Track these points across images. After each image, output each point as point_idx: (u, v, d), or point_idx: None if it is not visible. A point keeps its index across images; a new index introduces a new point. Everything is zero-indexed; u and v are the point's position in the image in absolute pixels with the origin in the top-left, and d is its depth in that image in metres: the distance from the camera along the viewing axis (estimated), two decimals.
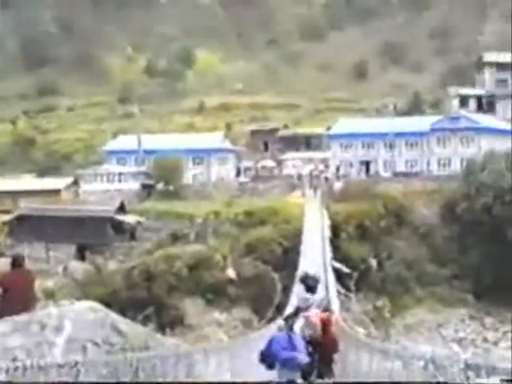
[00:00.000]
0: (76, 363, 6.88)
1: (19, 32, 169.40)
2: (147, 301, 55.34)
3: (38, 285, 24.23)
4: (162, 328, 40.70)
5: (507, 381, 3.43)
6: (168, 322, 51.75)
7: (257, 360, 17.48)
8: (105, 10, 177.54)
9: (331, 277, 45.87)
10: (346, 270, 57.46)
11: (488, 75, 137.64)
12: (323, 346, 19.14)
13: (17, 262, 18.22)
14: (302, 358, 16.52)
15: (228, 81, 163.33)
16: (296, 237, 64.83)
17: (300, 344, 17.02)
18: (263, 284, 62.01)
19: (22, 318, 16.05)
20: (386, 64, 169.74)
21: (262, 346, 18.72)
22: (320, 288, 29.13)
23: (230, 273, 64.49)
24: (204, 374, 11.78)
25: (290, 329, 17.71)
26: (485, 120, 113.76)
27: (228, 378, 14.43)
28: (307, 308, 24.86)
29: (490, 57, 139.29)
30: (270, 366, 15.95)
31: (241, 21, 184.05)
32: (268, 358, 15.98)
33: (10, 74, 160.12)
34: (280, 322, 21.55)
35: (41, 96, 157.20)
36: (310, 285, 29.27)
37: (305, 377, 16.52)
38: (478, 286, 68.74)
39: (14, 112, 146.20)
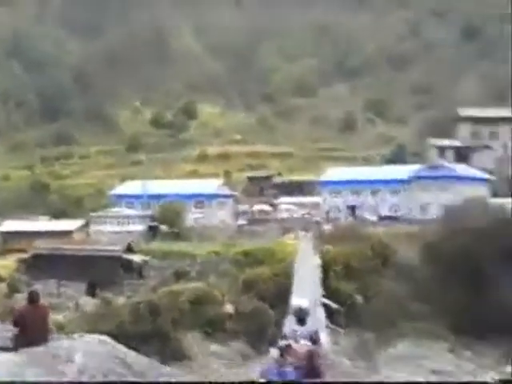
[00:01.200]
0: None
1: (39, 87, 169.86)
2: (152, 333, 55.07)
3: (50, 319, 23.94)
4: (164, 359, 40.23)
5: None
6: (171, 353, 51.30)
7: None
8: (116, 68, 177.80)
9: (321, 312, 45.68)
10: (334, 305, 57.35)
11: (463, 128, 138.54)
12: (308, 376, 19.20)
13: (32, 298, 18.13)
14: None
15: (227, 132, 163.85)
16: (289, 275, 64.75)
17: (291, 375, 17.12)
18: (259, 319, 61.79)
19: (37, 349, 15.87)
20: (371, 118, 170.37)
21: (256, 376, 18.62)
22: (310, 322, 28.93)
23: (228, 308, 64.27)
24: None
25: (283, 361, 17.69)
26: (461, 169, 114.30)
27: None
28: (296, 339, 24.73)
29: (466, 112, 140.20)
30: None
31: (240, 78, 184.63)
32: None
33: (30, 125, 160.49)
34: (273, 352, 21.40)
35: (57, 145, 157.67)
36: (301, 317, 29.19)
37: None
38: (457, 322, 68.49)
39: (32, 160, 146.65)
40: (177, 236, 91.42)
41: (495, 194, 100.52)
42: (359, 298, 68.64)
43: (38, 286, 53.78)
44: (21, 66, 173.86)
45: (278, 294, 60.91)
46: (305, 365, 20.67)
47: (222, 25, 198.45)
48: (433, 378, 58.64)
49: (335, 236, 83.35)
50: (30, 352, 15.39)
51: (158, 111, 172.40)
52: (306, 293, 51.95)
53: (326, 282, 62.19)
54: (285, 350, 18.50)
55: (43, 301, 21.73)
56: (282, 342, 19.93)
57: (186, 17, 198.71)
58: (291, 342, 21.92)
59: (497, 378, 58.45)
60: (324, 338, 30.39)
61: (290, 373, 17.53)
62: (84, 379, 14.73)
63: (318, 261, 68.71)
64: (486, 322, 64.51)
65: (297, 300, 38.12)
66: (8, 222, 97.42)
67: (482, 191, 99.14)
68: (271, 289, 65.34)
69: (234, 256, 77.67)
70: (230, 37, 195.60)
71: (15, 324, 16.83)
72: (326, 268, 66.84)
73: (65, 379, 14.79)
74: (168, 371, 23.67)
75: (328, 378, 21.86)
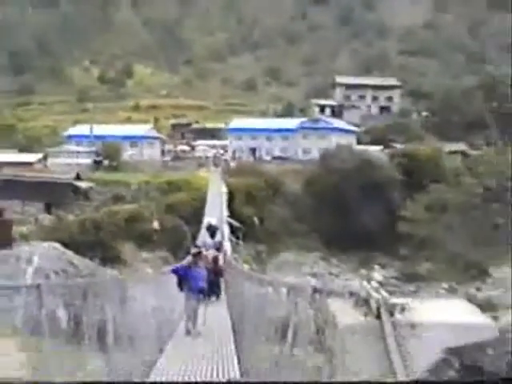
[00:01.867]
0: (39, 285, 6.76)
1: (8, 48, 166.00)
2: (95, 243, 54.75)
3: (15, 230, 23.73)
4: (104, 263, 40.18)
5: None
6: (109, 258, 51.11)
7: (173, 285, 17.97)
8: (70, 34, 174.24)
9: (226, 229, 45.99)
10: (236, 224, 57.74)
11: (338, 92, 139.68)
12: (214, 274, 20.13)
13: (0, 213, 18.04)
14: (202, 284, 17.30)
15: (156, 88, 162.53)
16: (203, 200, 64.95)
17: (201, 274, 17.72)
18: (178, 233, 61.96)
19: (3, 252, 15.80)
20: (268, 81, 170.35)
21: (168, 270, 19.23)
22: (217, 235, 29.28)
23: (155, 225, 64.12)
24: (133, 295, 11.68)
25: (195, 263, 18.25)
26: (336, 122, 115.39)
27: (153, 301, 14.35)
28: (207, 248, 25.19)
29: (340, 79, 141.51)
30: (182, 289, 16.79)
31: (167, 46, 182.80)
32: (180, 284, 16.87)
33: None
34: (188, 258, 21.93)
35: (20, 94, 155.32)
36: (211, 231, 29.56)
37: (203, 295, 18.14)
38: (328, 238, 69.60)
39: (0, 106, 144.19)
40: (115, 168, 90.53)
41: (359, 143, 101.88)
42: (256, 219, 69.14)
43: (5, 204, 52.98)
44: None
45: (194, 214, 61.06)
46: (212, 266, 21.47)
47: (154, 2, 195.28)
48: (311, 280, 59.72)
49: (238, 171, 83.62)
50: None
51: (103, 70, 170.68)
52: (215, 213, 52.40)
53: (230, 206, 62.45)
54: (197, 255, 18.96)
55: (8, 215, 21.57)
56: (194, 250, 20.33)
57: None
58: (202, 249, 22.44)
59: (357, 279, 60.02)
60: (228, 247, 30.79)
61: (200, 271, 18.10)
62: (40, 276, 14.76)
63: (224, 189, 68.87)
64: (348, 238, 65.80)
65: (208, 218, 38.37)
66: None
67: (350, 140, 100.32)
68: (188, 210, 65.38)
69: (159, 184, 77.36)
70: (160, 13, 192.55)
71: None
72: (230, 195, 67.08)
73: (25, 276, 14.83)
74: (107, 271, 23.76)
75: (229, 276, 22.48)
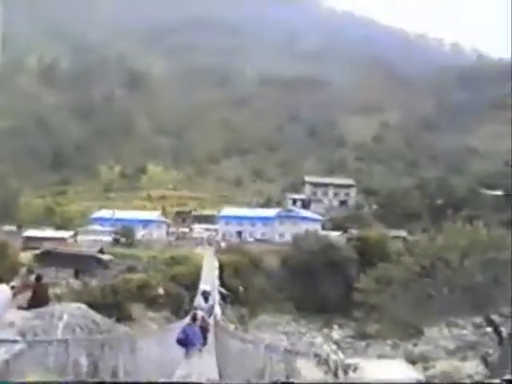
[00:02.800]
0: (66, 340, 6.72)
1: (53, 150, 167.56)
2: (112, 304, 53.99)
3: (50, 292, 23.37)
4: (119, 321, 39.60)
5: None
6: (123, 317, 50.35)
7: (173, 339, 17.82)
8: (100, 141, 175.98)
9: (217, 295, 45.56)
10: (225, 292, 57.25)
11: (307, 188, 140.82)
12: (203, 329, 20.05)
13: (39, 278, 17.93)
14: (200, 340, 17.44)
15: (165, 183, 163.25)
16: (199, 272, 64.48)
17: (197, 332, 17.75)
18: (179, 298, 61.29)
19: (41, 310, 15.57)
20: (253, 179, 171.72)
21: (176, 333, 19.01)
22: (210, 300, 28.97)
23: (161, 291, 63.48)
24: (141, 346, 11.53)
25: (193, 319, 18.59)
26: (305, 212, 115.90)
27: (156, 349, 14.14)
28: (202, 310, 24.99)
29: (309, 178, 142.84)
30: (184, 345, 16.69)
31: (173, 149, 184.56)
32: (182, 341, 16.75)
33: (44, 172, 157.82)
34: (187, 319, 22.08)
35: (60, 185, 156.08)
36: (205, 296, 29.28)
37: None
38: (298, 303, 69.08)
39: (44, 193, 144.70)
40: (130, 245, 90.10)
41: (323, 229, 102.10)
42: (240, 288, 68.59)
43: (43, 271, 52.41)
44: (41, 134, 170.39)
45: (192, 283, 60.49)
46: (202, 323, 21.37)
47: (165, 113, 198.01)
48: (283, 337, 58.82)
49: (227, 249, 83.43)
50: (37, 311, 15.16)
51: (123, 167, 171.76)
52: (208, 282, 51.88)
53: (221, 277, 62.06)
54: (195, 317, 19.26)
55: (46, 280, 21.35)
56: (193, 312, 20.70)
57: (139, 101, 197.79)
58: (198, 311, 22.48)
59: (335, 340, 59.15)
60: (218, 310, 30.53)
61: (196, 329, 18.39)
62: (68, 330, 14.56)
63: (216, 264, 68.57)
64: (314, 304, 65.34)
65: (203, 286, 38.03)
66: (29, 230, 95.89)
67: (316, 227, 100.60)
68: (187, 280, 64.82)
69: (165, 259, 76.97)
70: (168, 123, 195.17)
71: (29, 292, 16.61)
72: (221, 268, 66.73)
73: (57, 330, 14.63)
74: (120, 327, 23.34)
75: (218, 334, 22.22)
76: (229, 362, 14.28)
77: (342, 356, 4.10)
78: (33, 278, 18.19)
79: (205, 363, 18.67)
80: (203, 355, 18.36)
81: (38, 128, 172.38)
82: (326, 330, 64.57)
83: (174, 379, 16.94)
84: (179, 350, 18.24)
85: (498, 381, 3.38)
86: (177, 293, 63.18)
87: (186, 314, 34.96)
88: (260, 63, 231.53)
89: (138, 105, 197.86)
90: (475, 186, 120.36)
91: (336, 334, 62.52)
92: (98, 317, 17.96)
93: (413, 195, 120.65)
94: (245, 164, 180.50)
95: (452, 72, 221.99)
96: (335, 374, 3.89)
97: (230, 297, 58.44)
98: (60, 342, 6.58)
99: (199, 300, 32.34)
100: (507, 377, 3.30)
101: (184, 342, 17.66)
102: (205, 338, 22.50)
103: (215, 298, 42.64)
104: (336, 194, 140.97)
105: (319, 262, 71.14)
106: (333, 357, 3.99)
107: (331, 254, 72.81)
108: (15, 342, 4.09)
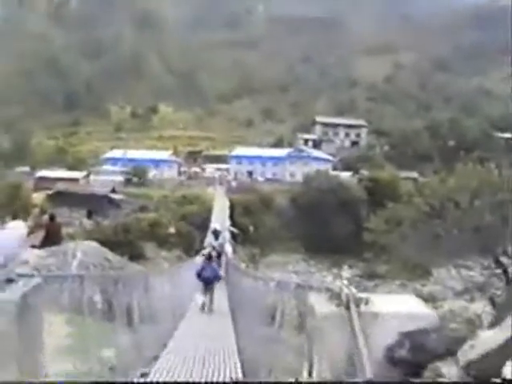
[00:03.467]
0: (82, 275, 6.78)
1: (64, 91, 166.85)
2: (125, 243, 54.56)
3: (64, 231, 23.68)
4: (132, 259, 40.08)
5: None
6: (136, 256, 50.93)
7: (185, 277, 18.48)
8: (112, 81, 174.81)
9: (228, 234, 45.91)
10: (236, 231, 57.63)
11: (318, 128, 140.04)
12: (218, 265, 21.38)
13: (52, 217, 18.01)
14: (220, 273, 19.84)
15: (176, 123, 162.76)
16: (210, 211, 64.86)
17: (216, 267, 18.96)
18: (190, 237, 61.82)
19: (54, 248, 15.73)
20: (264, 119, 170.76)
21: (188, 270, 19.61)
22: (220, 238, 29.37)
23: (172, 230, 63.98)
24: (154, 285, 11.67)
25: (208, 259, 19.58)
26: (315, 153, 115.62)
27: (168, 288, 14.30)
28: (212, 248, 25.64)
29: (320, 119, 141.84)
30: (203, 280, 18.57)
31: (185, 90, 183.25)
32: (200, 276, 18.66)
33: (55, 113, 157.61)
34: (197, 257, 23.03)
35: (70, 126, 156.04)
36: (216, 234, 29.79)
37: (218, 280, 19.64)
38: (308, 243, 69.51)
39: (56, 134, 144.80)
40: (142, 185, 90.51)
41: (334, 169, 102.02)
42: (251, 227, 69.03)
43: (56, 211, 52.99)
44: (51, 75, 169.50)
45: (202, 222, 60.91)
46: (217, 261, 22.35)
47: (176, 55, 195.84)
48: (293, 276, 59.57)
49: (238, 189, 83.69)
50: (50, 249, 15.32)
51: (134, 108, 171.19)
52: (219, 221, 52.22)
53: (231, 216, 62.40)
54: (210, 255, 20.20)
55: (59, 220, 21.52)
56: (206, 250, 22.02)
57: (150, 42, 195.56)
58: (209, 249, 23.25)
59: (330, 277, 59.90)
60: (228, 249, 30.96)
61: (213, 265, 19.43)
62: (82, 268, 14.74)
63: (227, 203, 68.90)
64: (324, 244, 65.75)
65: (214, 225, 38.40)
66: (42, 171, 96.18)
67: (327, 167, 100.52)
68: (198, 219, 65.25)
69: (176, 198, 77.32)
70: (180, 64, 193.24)
71: (42, 231, 16.69)
72: (232, 208, 67.04)
73: (71, 267, 14.80)
74: (133, 265, 23.65)
75: (229, 272, 22.60)
76: (241, 300, 14.46)
77: (353, 290, 4.13)
78: (46, 217, 18.28)
79: (217, 299, 19.37)
80: (216, 291, 19.07)
81: (48, 69, 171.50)
82: (335, 270, 65.22)
83: (189, 311, 18.00)
84: (191, 289, 18.96)
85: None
86: (188, 232, 63.70)
87: (197, 253, 35.38)
88: (272, 3, 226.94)
89: (148, 45, 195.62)
90: (487, 129, 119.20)
91: (346, 273, 63.17)
92: (110, 255, 18.18)
93: (424, 137, 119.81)
94: (256, 104, 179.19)
95: (467, 13, 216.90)
96: (347, 308, 3.93)
97: (241, 236, 58.96)
98: (75, 278, 6.63)
99: (210, 238, 32.79)
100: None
101: (202, 277, 18.77)
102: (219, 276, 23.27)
103: (226, 236, 42.98)
104: (347, 135, 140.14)
105: (330, 202, 71.18)
106: (345, 290, 4.02)
107: (342, 194, 72.77)
108: (32, 276, 4.14)
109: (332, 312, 3.78)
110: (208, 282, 18.66)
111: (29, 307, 4.47)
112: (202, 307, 18.31)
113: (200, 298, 18.61)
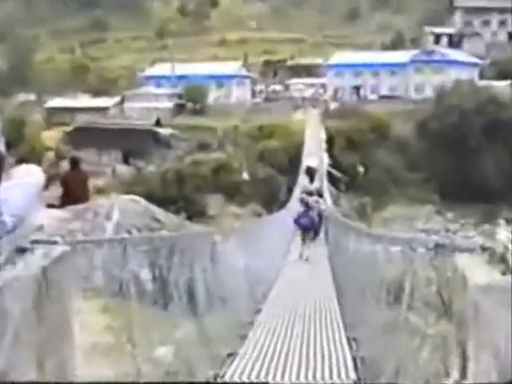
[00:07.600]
0: (123, 239, 6.88)
1: None
2: (178, 197, 55.49)
3: (91, 183, 24.24)
4: (189, 218, 40.76)
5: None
6: (195, 213, 51.80)
7: (268, 238, 19.67)
8: None
9: (325, 177, 46.02)
10: (338, 174, 57.57)
11: (458, 17, 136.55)
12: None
13: (74, 164, 18.23)
14: (317, 220, 23.53)
15: (245, 20, 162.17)
16: (299, 147, 64.91)
17: (315, 215, 23.00)
18: (270, 184, 62.24)
19: (79, 207, 16.13)
20: (374, 8, 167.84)
21: (271, 228, 21.30)
22: (316, 181, 29.84)
23: (245, 175, 64.62)
24: (224, 253, 11.82)
25: (306, 205, 22.01)
26: (453, 54, 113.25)
27: (243, 256, 14.49)
28: (307, 193, 26.50)
29: (460, 2, 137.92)
30: (301, 227, 22.68)
31: None
32: (298, 224, 22.89)
33: (68, 13, 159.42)
34: (284, 212, 24.92)
35: (92, 30, 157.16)
36: (310, 174, 30.48)
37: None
38: (443, 188, 68.84)
39: (71, 44, 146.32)
40: (200, 112, 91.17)
41: (483, 77, 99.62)
42: (360, 168, 68.87)
43: (79, 154, 54.22)
44: None
45: (289, 163, 61.16)
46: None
47: None
48: (421, 236, 59.24)
49: (340, 113, 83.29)
50: (74, 209, 15.71)
51: (185, 1, 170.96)
52: (314, 160, 52.33)
53: (330, 153, 62.34)
54: (306, 202, 22.82)
55: (84, 167, 22.01)
56: (303, 196, 24.72)
57: None
58: (304, 195, 24.77)
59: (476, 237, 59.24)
60: (327, 196, 31.45)
61: (312, 214, 23.44)
62: (121, 233, 15.08)
63: (323, 134, 68.85)
64: (467, 189, 64.92)
65: (307, 161, 38.79)
66: (54, 99, 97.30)
67: (471, 74, 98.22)
68: (282, 159, 65.56)
69: (249, 130, 77.66)
70: None
71: (60, 185, 16.94)
72: (331, 141, 66.92)
73: (104, 233, 15.18)
74: (193, 226, 24.12)
75: (329, 226, 24.33)
76: (348, 269, 14.51)
77: None
78: (65, 164, 18.58)
79: (316, 257, 22.22)
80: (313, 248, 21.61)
81: None
82: (486, 228, 64.40)
83: (286, 266, 21.19)
84: (274, 256, 19.97)
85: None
86: (268, 177, 64.13)
87: (282, 206, 35.60)
88: None
89: None
90: None
91: (503, 232, 62.27)
92: (161, 213, 18.48)
93: None
94: None
95: None
96: None
97: (345, 180, 58.93)
98: (113, 245, 6.74)
99: (303, 180, 33.01)
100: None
101: (299, 224, 22.97)
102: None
103: (323, 178, 42.84)
104: (502, 24, 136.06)
105: (475, 126, 69.95)
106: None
107: (494, 113, 71.28)
108: (54, 243, 4.15)
109: (494, 282, 3.63)
110: (306, 229, 22.56)
111: (51, 287, 4.55)
112: (300, 255, 22.17)
113: (299, 245, 22.50)
